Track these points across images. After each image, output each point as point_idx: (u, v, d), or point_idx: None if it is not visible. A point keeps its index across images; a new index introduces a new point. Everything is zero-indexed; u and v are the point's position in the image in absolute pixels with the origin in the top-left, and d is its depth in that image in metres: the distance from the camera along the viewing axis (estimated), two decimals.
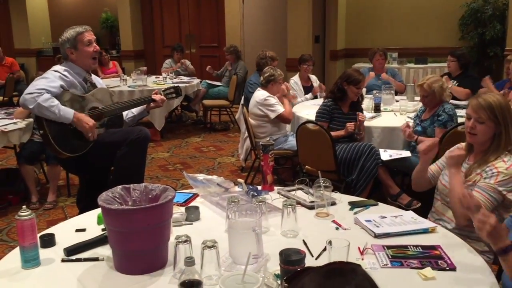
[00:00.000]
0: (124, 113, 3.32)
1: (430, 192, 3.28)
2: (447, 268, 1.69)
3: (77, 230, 2.05)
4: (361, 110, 4.04)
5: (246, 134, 4.75)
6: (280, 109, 4.38)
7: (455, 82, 4.99)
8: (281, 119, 4.41)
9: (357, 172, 3.62)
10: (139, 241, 1.64)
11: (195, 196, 2.44)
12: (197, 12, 9.65)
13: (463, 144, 2.43)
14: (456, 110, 3.90)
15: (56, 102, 2.87)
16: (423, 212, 2.63)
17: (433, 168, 2.51)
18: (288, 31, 7.94)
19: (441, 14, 8.30)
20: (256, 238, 1.68)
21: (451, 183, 2.25)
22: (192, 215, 2.15)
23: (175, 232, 1.89)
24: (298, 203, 2.27)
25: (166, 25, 9.96)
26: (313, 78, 5.77)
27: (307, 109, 4.61)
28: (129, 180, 2.22)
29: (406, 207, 3.52)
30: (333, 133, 3.76)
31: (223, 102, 7.27)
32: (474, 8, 7.94)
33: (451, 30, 8.26)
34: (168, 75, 7.46)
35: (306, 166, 3.92)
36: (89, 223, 2.12)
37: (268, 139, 4.35)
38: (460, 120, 3.75)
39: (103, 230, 2.01)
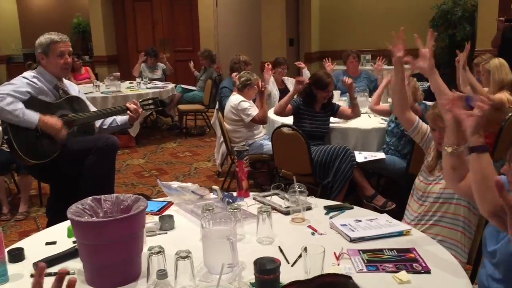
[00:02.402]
0: (109, 119, 3.27)
1: (405, 194, 3.33)
2: (422, 271, 1.69)
3: (47, 243, 1.99)
4: (334, 106, 4.06)
5: (222, 139, 4.72)
6: (253, 112, 4.37)
7: (428, 83, 5.05)
8: (256, 122, 4.40)
9: (333, 174, 3.63)
10: (111, 254, 1.60)
11: (169, 204, 2.41)
12: (171, 16, 9.58)
13: None
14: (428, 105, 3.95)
15: (20, 106, 2.80)
16: (399, 212, 2.66)
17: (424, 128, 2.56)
18: (262, 35, 7.95)
19: (413, 16, 8.42)
20: (231, 246, 1.66)
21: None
22: (166, 224, 2.12)
23: (149, 242, 1.86)
24: (274, 208, 2.26)
25: (140, 29, 9.86)
26: (290, 80, 5.78)
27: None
28: (99, 189, 2.18)
29: (381, 208, 3.55)
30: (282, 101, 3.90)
31: (199, 106, 7.23)
32: (444, 9, 8.08)
33: (423, 31, 8.20)
34: (142, 80, 7.38)
35: (283, 170, 3.92)
36: (60, 236, 2.06)
37: (244, 143, 4.40)
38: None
39: (74, 242, 1.95)
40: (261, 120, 4.39)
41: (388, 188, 3.95)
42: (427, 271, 1.69)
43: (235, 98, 4.47)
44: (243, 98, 4.45)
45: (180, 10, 9.50)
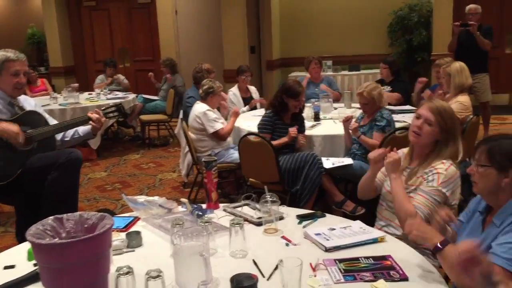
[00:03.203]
0: (71, 131, 3.12)
1: (375, 199, 3.32)
2: (399, 279, 1.67)
3: (6, 267, 1.86)
4: (303, 120, 4.04)
5: (187, 149, 4.63)
6: (219, 126, 4.29)
7: (388, 87, 5.13)
8: (217, 136, 4.32)
9: (302, 182, 3.60)
10: (76, 277, 1.49)
11: (136, 219, 2.31)
12: (129, 24, 9.41)
13: (404, 150, 2.46)
14: (392, 116, 3.99)
15: None
16: (368, 217, 2.65)
17: (379, 175, 2.51)
18: (223, 43, 7.91)
19: (371, 22, 8.58)
20: (204, 262, 1.58)
21: (392, 189, 2.26)
22: (134, 241, 2.02)
23: (116, 261, 1.76)
24: (246, 220, 2.19)
25: (97, 39, 9.63)
26: (252, 89, 5.75)
27: (248, 121, 4.56)
28: (61, 206, 2.07)
29: (351, 214, 3.54)
30: (276, 142, 3.74)
31: (161, 116, 7.10)
32: (401, 15, 8.27)
33: (381, 37, 8.55)
34: (102, 91, 7.19)
35: (250, 179, 3.87)
36: (19, 259, 1.93)
37: (210, 153, 4.32)
38: (396, 125, 3.85)
39: (34, 265, 1.83)
40: (224, 136, 4.33)
41: (356, 193, 3.94)
42: (404, 278, 1.67)
43: (200, 107, 4.39)
44: (208, 107, 4.38)
45: (139, 18, 9.34)
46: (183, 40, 9.07)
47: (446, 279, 1.76)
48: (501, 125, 6.90)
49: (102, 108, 3.22)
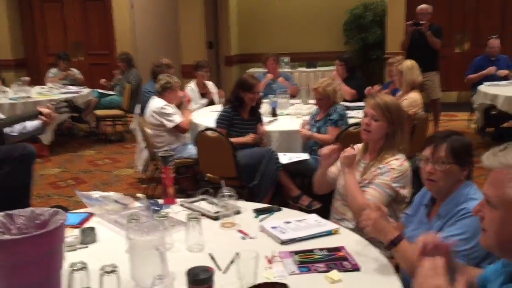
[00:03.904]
0: (18, 126, 3.01)
1: (330, 193, 3.39)
2: (351, 269, 1.72)
3: None
4: (260, 116, 4.07)
5: (144, 144, 4.57)
6: (177, 119, 4.27)
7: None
8: (178, 130, 4.30)
9: (259, 177, 3.63)
10: (28, 274, 1.46)
11: (90, 215, 2.27)
12: (84, 17, 9.15)
13: (358, 145, 2.53)
14: (347, 112, 4.09)
15: None
16: (324, 211, 2.70)
17: (333, 170, 2.57)
18: (181, 38, 7.84)
19: (327, 20, 8.71)
20: (160, 257, 1.58)
21: (346, 183, 2.32)
22: (88, 237, 1.99)
23: (69, 258, 1.73)
24: (203, 214, 2.20)
25: (50, 31, 9.31)
26: (210, 84, 5.74)
27: (206, 116, 4.55)
28: (15, 201, 2.01)
29: (307, 208, 3.60)
30: (235, 140, 3.75)
31: (117, 111, 6.95)
32: (356, 14, 8.43)
33: (337, 35, 8.70)
34: (55, 85, 6.97)
35: (208, 174, 3.87)
36: None
37: (167, 148, 4.29)
38: (351, 121, 3.94)
39: None
40: (185, 128, 4.31)
41: (311, 187, 4.00)
42: (356, 268, 1.73)
43: (157, 102, 4.34)
44: (165, 102, 4.34)
45: (94, 11, 9.10)
46: (140, 34, 8.92)
47: (397, 268, 1.83)
48: (450, 121, 7.17)
49: (53, 103, 3.14)
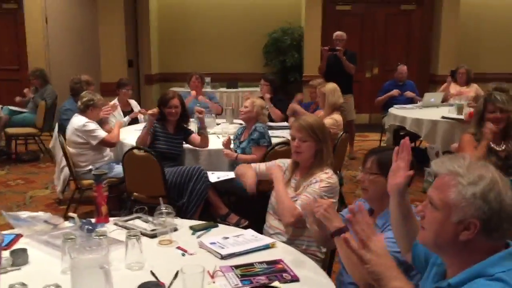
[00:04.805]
0: None
1: (256, 211, 3.50)
2: (291, 280, 1.80)
3: None
4: (188, 132, 4.10)
5: (63, 164, 4.40)
6: (101, 134, 4.17)
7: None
8: (105, 144, 4.21)
9: (188, 195, 3.64)
10: None
11: (18, 236, 2.16)
12: None
13: (288, 160, 2.65)
14: (271, 131, 4.23)
15: None
16: (252, 228, 2.77)
17: (262, 167, 2.79)
18: (101, 55, 7.65)
19: (248, 42, 8.93)
20: (105, 275, 1.56)
21: (275, 189, 2.53)
22: (20, 258, 1.90)
23: (2, 280, 1.65)
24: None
25: None
26: (133, 103, 5.66)
27: (130, 134, 4.48)
28: None
29: (235, 226, 3.65)
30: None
31: (31, 129, 6.59)
32: (275, 38, 8.74)
33: (257, 57, 8.95)
34: None
35: (134, 193, 3.80)
36: None
37: (91, 167, 4.16)
38: (274, 140, 4.06)
39: None
40: (113, 142, 4.22)
41: (238, 206, 4.08)
42: (296, 279, 1.81)
43: (78, 120, 4.21)
44: (87, 119, 4.22)
45: (3, 24, 8.61)
46: (54, 50, 8.56)
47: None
48: (363, 141, 7.61)
49: None
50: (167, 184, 3.64)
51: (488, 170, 1.22)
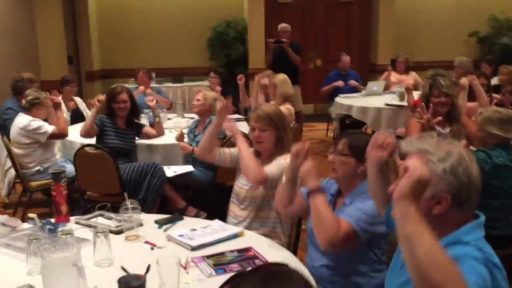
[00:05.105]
0: None
1: (213, 203, 3.52)
2: None
3: None
4: (140, 127, 4.04)
5: (8, 165, 4.21)
6: (49, 128, 4.02)
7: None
8: (55, 137, 4.09)
9: (144, 191, 3.60)
10: None
11: None
12: None
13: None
14: None
15: None
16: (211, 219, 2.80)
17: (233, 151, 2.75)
18: (39, 52, 7.35)
19: (191, 36, 8.84)
20: (79, 272, 1.54)
21: (239, 148, 2.60)
22: None
23: None
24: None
25: None
26: (78, 100, 5.49)
27: (78, 131, 4.34)
28: None
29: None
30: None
31: None
32: (219, 31, 8.71)
33: (201, 51, 8.89)
34: None
35: (88, 192, 3.71)
36: None
37: (39, 168, 4.02)
38: (229, 133, 4.08)
39: None
40: (61, 133, 4.08)
41: (196, 199, 4.08)
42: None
43: (23, 119, 4.04)
44: (32, 118, 4.06)
45: None
46: None
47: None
48: (310, 131, 7.78)
49: None
50: (122, 181, 3.58)
51: (455, 146, 1.30)
